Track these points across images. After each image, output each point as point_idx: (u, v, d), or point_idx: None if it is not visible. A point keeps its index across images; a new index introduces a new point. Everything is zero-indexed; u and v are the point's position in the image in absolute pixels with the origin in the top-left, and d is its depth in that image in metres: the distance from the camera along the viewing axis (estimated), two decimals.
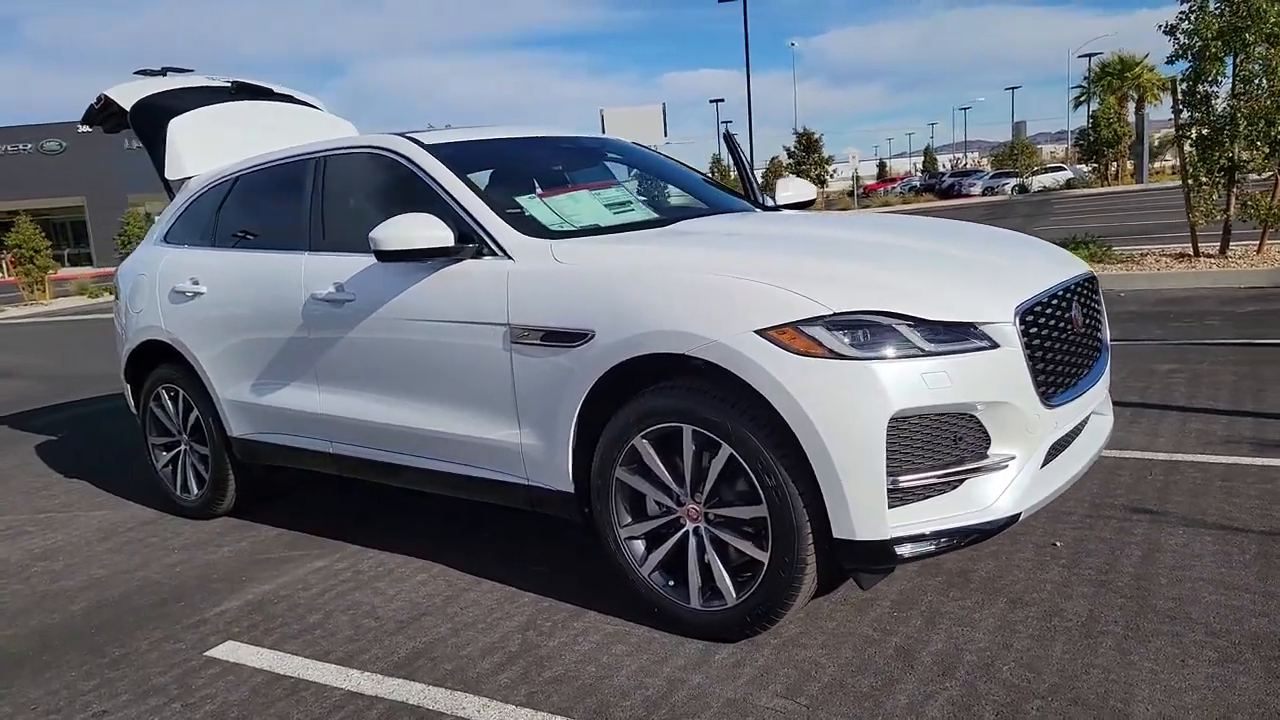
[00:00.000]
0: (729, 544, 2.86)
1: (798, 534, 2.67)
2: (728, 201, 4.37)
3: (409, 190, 3.70)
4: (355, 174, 4.01)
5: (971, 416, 2.66)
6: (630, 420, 2.94)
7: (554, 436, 3.15)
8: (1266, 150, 10.17)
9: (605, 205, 3.79)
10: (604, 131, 16.53)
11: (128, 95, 5.15)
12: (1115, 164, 45.66)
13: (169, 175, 4.96)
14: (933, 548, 2.64)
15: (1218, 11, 9.95)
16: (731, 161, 5.22)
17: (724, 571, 2.86)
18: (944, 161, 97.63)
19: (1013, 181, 50.37)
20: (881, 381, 2.55)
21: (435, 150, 3.71)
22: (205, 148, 5.03)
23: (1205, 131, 10.41)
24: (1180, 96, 10.77)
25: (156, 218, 5.25)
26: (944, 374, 2.59)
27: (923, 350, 2.60)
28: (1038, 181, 49.62)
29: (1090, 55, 55.57)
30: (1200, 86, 10.68)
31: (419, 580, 3.69)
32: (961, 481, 2.67)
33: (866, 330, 2.61)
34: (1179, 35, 10.56)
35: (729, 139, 5.45)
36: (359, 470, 3.93)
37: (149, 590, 3.85)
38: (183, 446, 4.75)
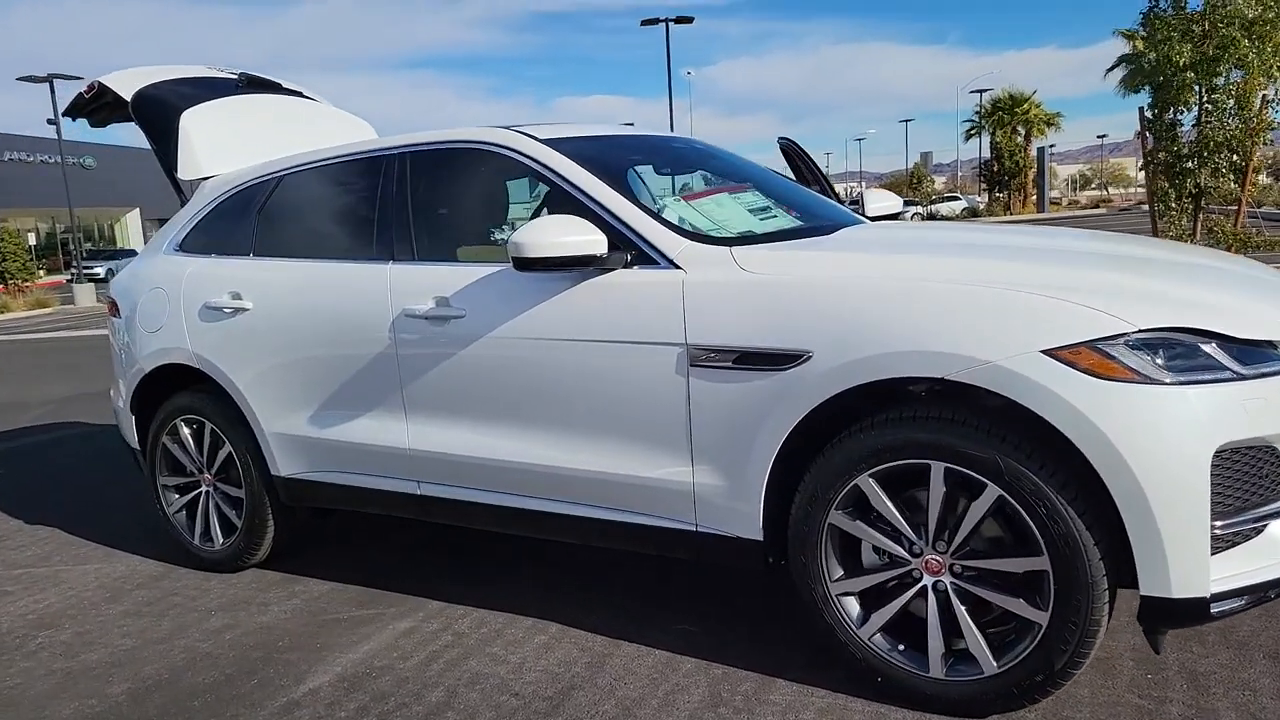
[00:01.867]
0: (987, 602, 2.43)
1: (1091, 590, 2.26)
2: (843, 211, 3.97)
3: (526, 192, 3.19)
4: (452, 174, 3.47)
5: (1273, 449, 2.31)
6: (855, 456, 2.50)
7: (742, 475, 2.68)
8: (1232, 177, 10.35)
9: (749, 210, 3.35)
10: None
11: (127, 83, 4.48)
12: (1017, 193, 47.37)
13: (183, 175, 4.30)
14: (1243, 603, 2.27)
15: (1190, 40, 10.12)
16: (798, 175, 4.84)
17: (978, 634, 2.42)
18: (841, 190, 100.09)
19: (913, 210, 51.86)
20: (1205, 410, 2.18)
21: (557, 146, 3.21)
22: (223, 144, 4.40)
23: (1173, 158, 10.56)
24: (1147, 124, 10.93)
25: (164, 224, 4.56)
26: (1261, 400, 2.23)
27: (1238, 373, 2.23)
28: (934, 210, 51.35)
29: (981, 91, 57.80)
30: (1166, 115, 10.85)
31: (540, 644, 3.15)
32: (1264, 527, 2.31)
33: (1175, 350, 2.23)
34: (1144, 64, 10.71)
35: (792, 147, 5.07)
36: (456, 515, 3.38)
37: (203, 665, 3.20)
38: (204, 488, 4.08)
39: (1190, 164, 10.36)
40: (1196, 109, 10.60)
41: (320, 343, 3.53)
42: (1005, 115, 52.79)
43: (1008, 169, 44.41)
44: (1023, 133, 52.49)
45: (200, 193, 4.24)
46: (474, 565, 3.93)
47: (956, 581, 2.46)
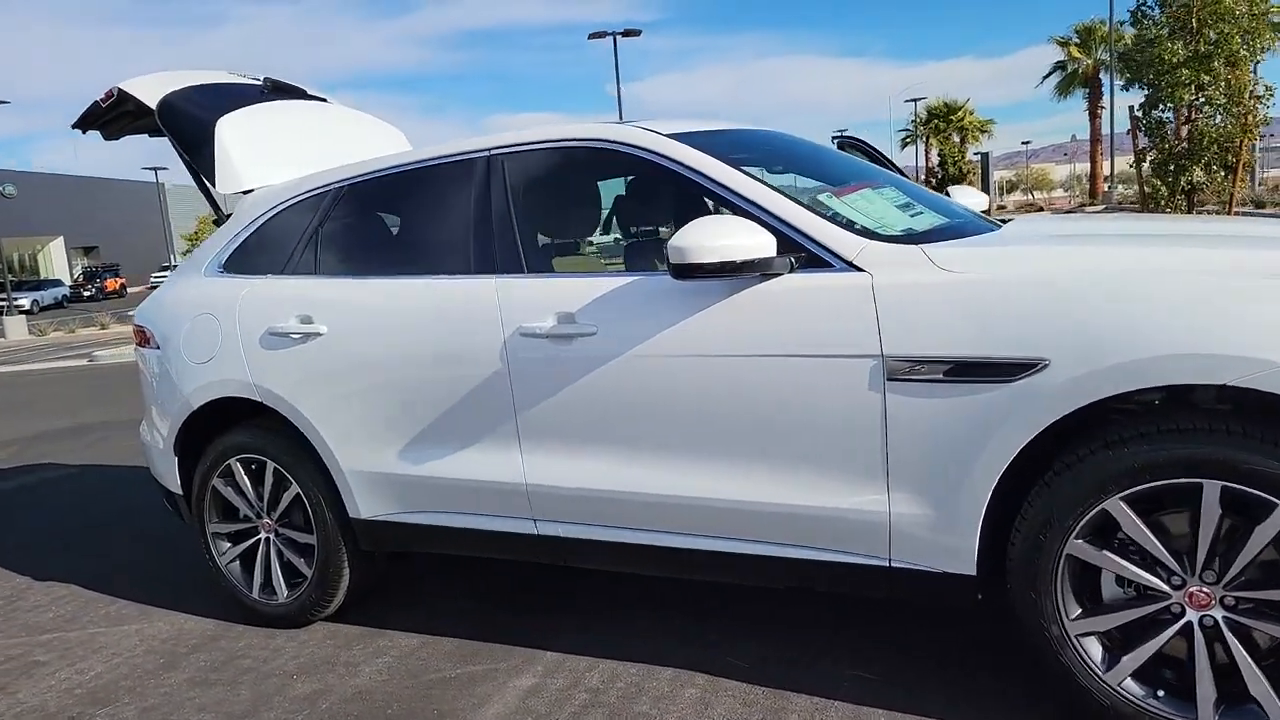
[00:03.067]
0: (1256, 641, 2.14)
1: None
2: (959, 206, 3.68)
3: (660, 193, 2.86)
4: (565, 176, 3.12)
5: None
6: (1104, 477, 2.20)
7: (952, 502, 2.37)
8: (1223, 174, 10.38)
9: (897, 206, 3.04)
10: None
11: (151, 90, 4.04)
12: None
13: (222, 188, 3.88)
14: None
15: (1183, 38, 10.14)
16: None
17: (1260, 675, 2.13)
18: None
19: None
20: None
21: (689, 141, 2.88)
22: (262, 155, 3.99)
23: (1166, 155, 10.57)
24: (1139, 122, 10.93)
25: (198, 244, 4.12)
26: None
27: None
28: None
29: (915, 100, 58.78)
30: (1154, 113, 10.86)
31: (693, 699, 2.80)
32: None
33: None
34: (1135, 60, 10.72)
35: (857, 144, 4.80)
36: (584, 556, 3.01)
37: None
38: (264, 535, 3.64)
39: (1184, 160, 10.37)
40: (1187, 107, 10.63)
41: (412, 368, 3.14)
42: (941, 123, 53.91)
43: (952, 175, 44.98)
44: (958, 139, 53.54)
45: (244, 208, 3.81)
46: (577, 608, 3.55)
47: (1230, 616, 2.16)
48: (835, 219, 2.63)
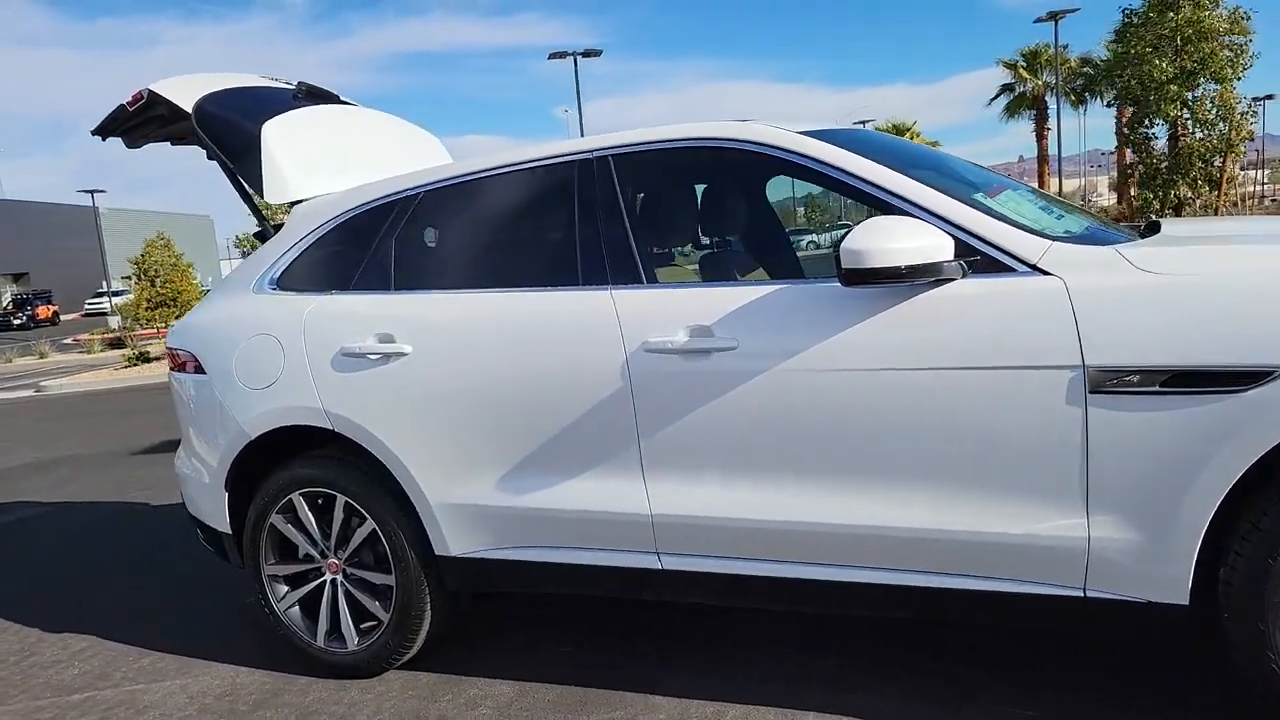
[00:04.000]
0: None
1: None
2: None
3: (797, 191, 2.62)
4: (684, 178, 2.88)
5: None
6: None
7: (1165, 526, 2.18)
8: (1208, 188, 10.51)
9: (1040, 209, 2.86)
10: None
11: (185, 93, 3.72)
12: None
13: (271, 198, 3.57)
14: None
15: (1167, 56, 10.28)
16: None
17: None
18: None
19: (809, 237, 52.76)
20: None
21: (827, 139, 2.67)
22: (310, 162, 3.69)
23: (1152, 171, 10.69)
24: (1128, 138, 11.05)
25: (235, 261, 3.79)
26: None
27: None
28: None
29: (863, 122, 59.70)
30: (1140, 129, 10.98)
31: None
32: None
33: None
34: (1123, 78, 10.83)
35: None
36: (715, 591, 2.75)
37: None
38: (330, 576, 3.32)
39: (1173, 176, 10.49)
40: (1172, 124, 10.76)
41: (513, 389, 2.87)
42: None
43: None
44: None
45: (298, 219, 3.51)
46: (683, 646, 3.28)
47: None
48: (1015, 220, 2.43)
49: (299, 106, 4.09)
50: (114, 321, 35.63)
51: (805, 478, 2.52)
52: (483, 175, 3.14)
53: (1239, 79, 10.17)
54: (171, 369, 3.71)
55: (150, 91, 3.71)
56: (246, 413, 3.30)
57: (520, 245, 3.07)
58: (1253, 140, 10.59)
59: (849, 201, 3.18)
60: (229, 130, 3.67)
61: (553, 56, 29.74)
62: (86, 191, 49.03)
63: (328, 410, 3.14)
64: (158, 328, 24.64)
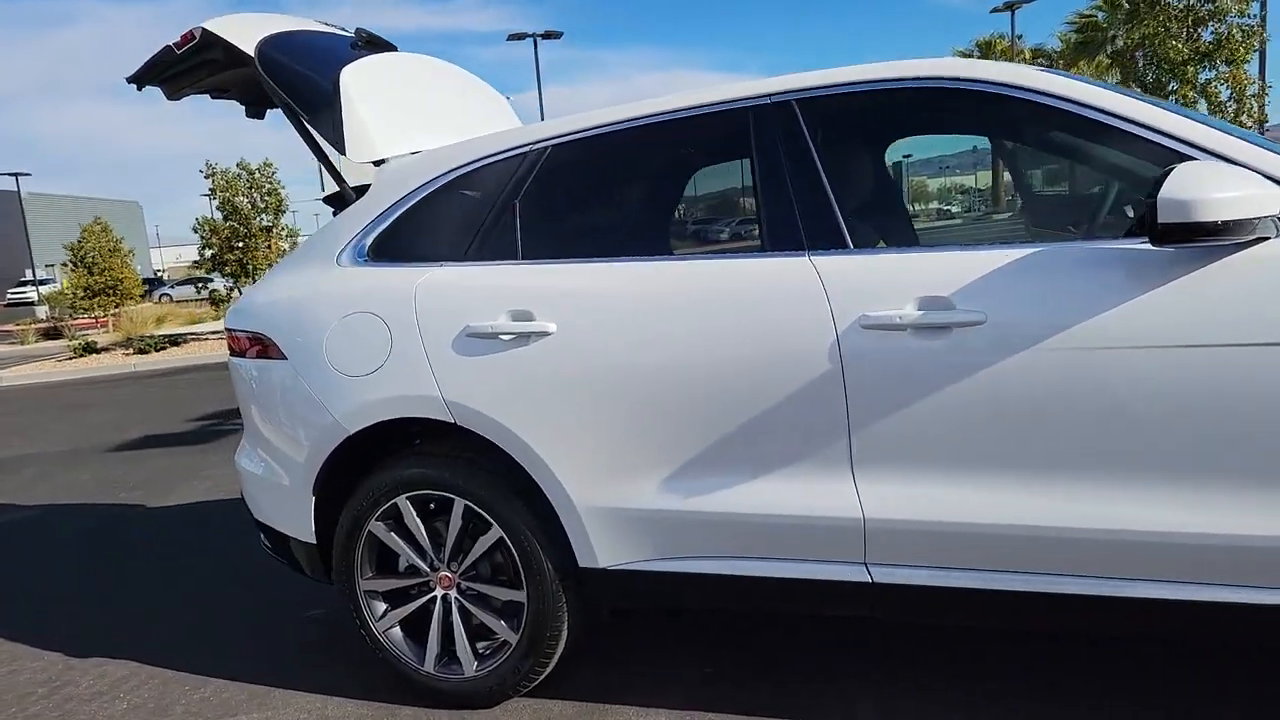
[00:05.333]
0: None
1: None
2: None
3: (1045, 141, 2.27)
4: (891, 125, 2.48)
5: None
6: None
7: None
8: None
9: None
10: (323, 185, 14.94)
11: (242, 32, 3.22)
12: None
13: (355, 156, 3.09)
14: None
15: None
16: None
17: None
18: None
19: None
20: None
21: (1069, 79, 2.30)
22: (394, 116, 3.23)
23: None
24: None
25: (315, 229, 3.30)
26: None
27: None
28: None
29: None
30: None
31: None
32: None
33: None
34: (1146, 58, 10.70)
35: None
36: (943, 609, 2.37)
37: None
38: (441, 592, 2.88)
39: None
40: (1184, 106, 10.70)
41: (689, 375, 2.46)
42: None
43: None
44: None
45: (390, 180, 3.04)
46: (854, 665, 2.91)
47: None
48: None
49: (359, 56, 3.61)
50: (41, 311, 34.05)
51: (1074, 474, 2.15)
52: (630, 125, 2.71)
53: (1247, 61, 10.10)
54: (234, 354, 3.20)
55: (204, 31, 3.20)
56: (343, 404, 2.82)
57: (682, 206, 2.64)
58: (1265, 125, 10.54)
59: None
60: (299, 78, 3.18)
61: (512, 38, 29.03)
62: (9, 174, 46.75)
63: (448, 400, 2.68)
64: (96, 317, 23.54)
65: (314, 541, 3.01)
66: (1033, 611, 2.27)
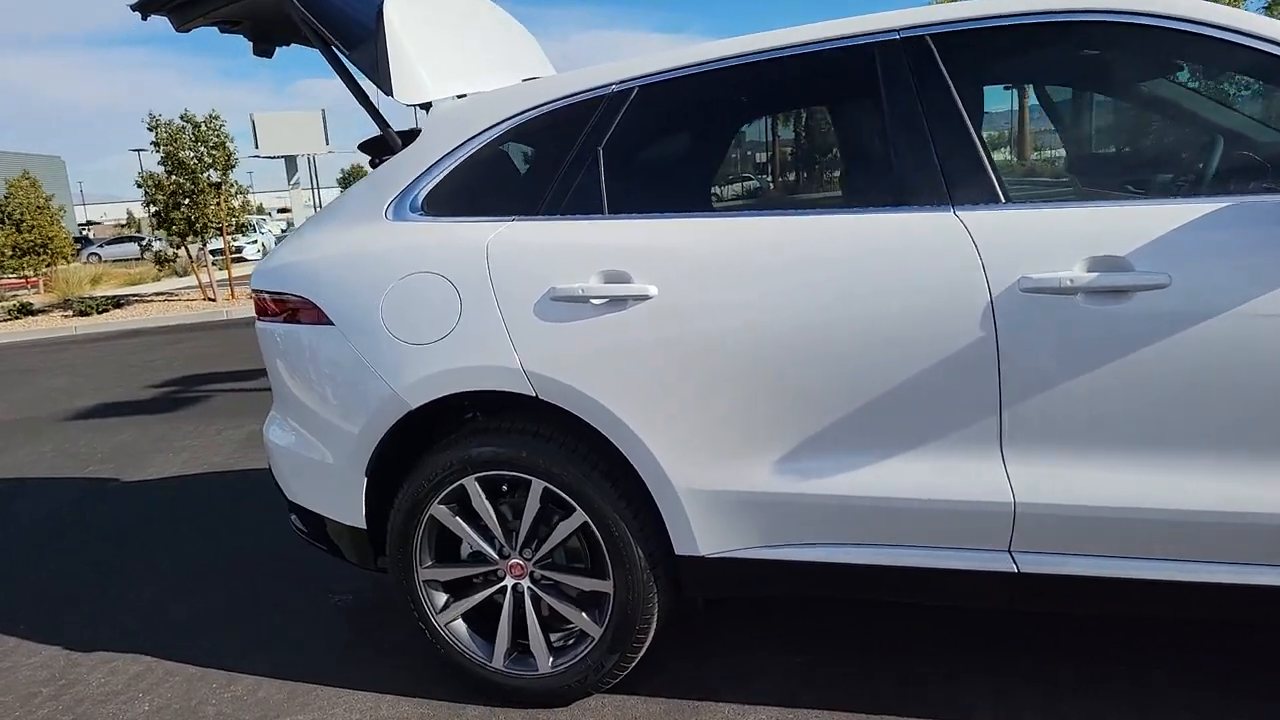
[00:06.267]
0: None
1: None
2: None
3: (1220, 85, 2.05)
4: (1046, 64, 2.23)
5: None
6: None
7: None
8: None
9: None
10: (257, 142, 14.22)
11: None
12: None
13: (402, 98, 2.76)
14: None
15: None
16: None
17: None
18: None
19: None
20: None
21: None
22: (444, 54, 2.90)
23: None
24: None
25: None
26: None
27: None
28: None
29: None
30: None
31: None
32: None
33: None
34: None
35: None
36: (1095, 600, 2.17)
37: None
38: (512, 581, 2.61)
39: None
40: None
41: (810, 344, 2.21)
42: None
43: None
44: None
45: (445, 124, 2.72)
46: (978, 658, 2.71)
47: None
48: None
49: None
50: None
51: (1272, 457, 1.95)
52: (731, 64, 2.42)
53: None
54: (263, 318, 2.87)
55: None
56: (404, 375, 2.52)
57: (802, 155, 2.38)
58: None
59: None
60: (334, 9, 2.83)
61: None
62: None
63: (528, 370, 2.40)
64: (25, 276, 22.51)
65: (363, 526, 2.71)
66: (1209, 602, 2.07)
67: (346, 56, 2.80)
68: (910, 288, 2.13)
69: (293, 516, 2.98)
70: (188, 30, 3.17)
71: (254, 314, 2.96)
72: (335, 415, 2.68)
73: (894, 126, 2.23)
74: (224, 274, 16.93)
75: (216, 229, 15.46)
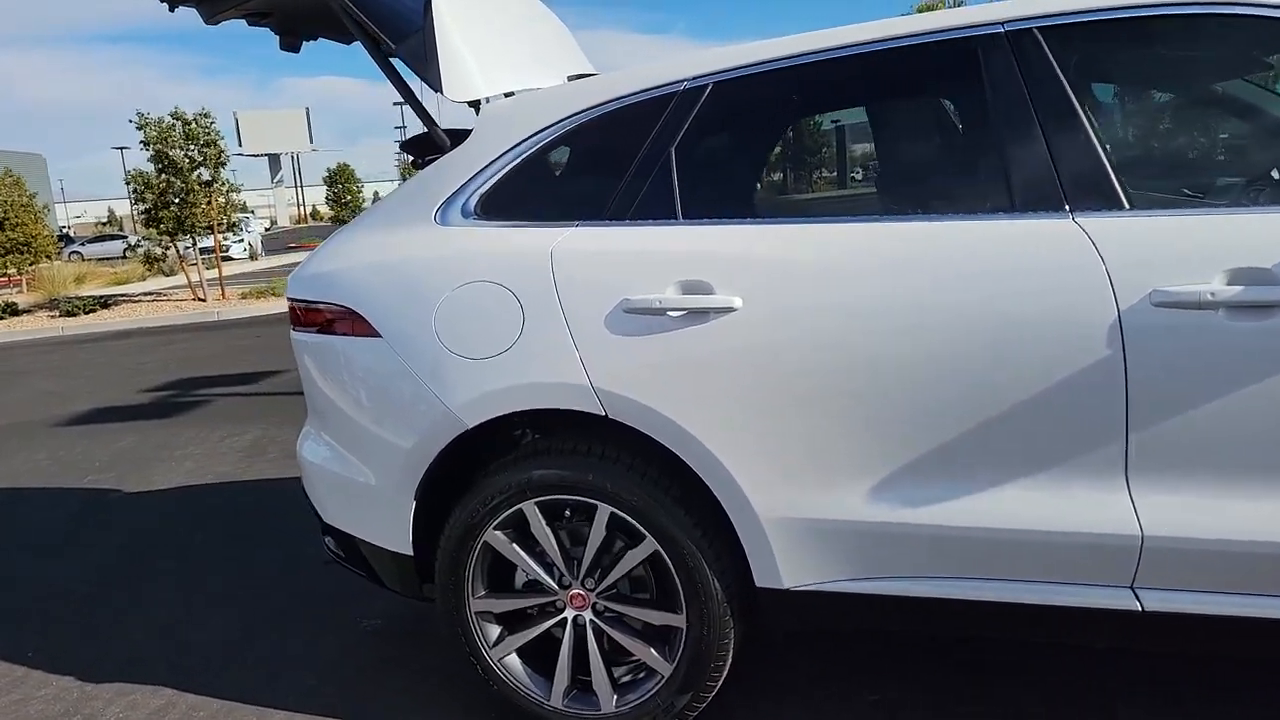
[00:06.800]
0: None
1: None
2: None
3: None
4: (1173, 67, 2.07)
5: None
6: None
7: None
8: None
9: None
10: (240, 140, 13.89)
11: None
12: None
13: (453, 94, 2.58)
14: None
15: None
16: None
17: None
18: None
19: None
20: None
21: None
22: (495, 50, 2.73)
23: None
24: None
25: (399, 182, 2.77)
26: None
27: None
28: None
29: None
30: None
31: None
32: None
33: None
34: None
35: None
36: (1224, 641, 2.00)
37: None
38: (573, 612, 2.43)
39: None
40: None
41: (913, 360, 2.04)
42: None
43: None
44: None
45: (499, 122, 2.54)
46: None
47: None
48: None
49: None
50: None
51: None
52: (814, 60, 2.24)
53: None
54: (300, 328, 2.67)
55: None
56: (461, 392, 2.33)
57: (897, 156, 2.20)
58: None
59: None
60: (378, 1, 2.65)
61: None
62: None
63: (598, 388, 2.22)
64: (9, 275, 22.10)
65: (410, 553, 2.52)
66: None
67: (392, 51, 2.61)
68: (1026, 301, 1.96)
69: (327, 539, 2.79)
70: (216, 23, 2.98)
71: (290, 323, 2.76)
72: (381, 434, 2.49)
73: (1001, 125, 2.06)
74: (213, 273, 16.62)
75: (207, 228, 15.17)
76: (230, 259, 30.71)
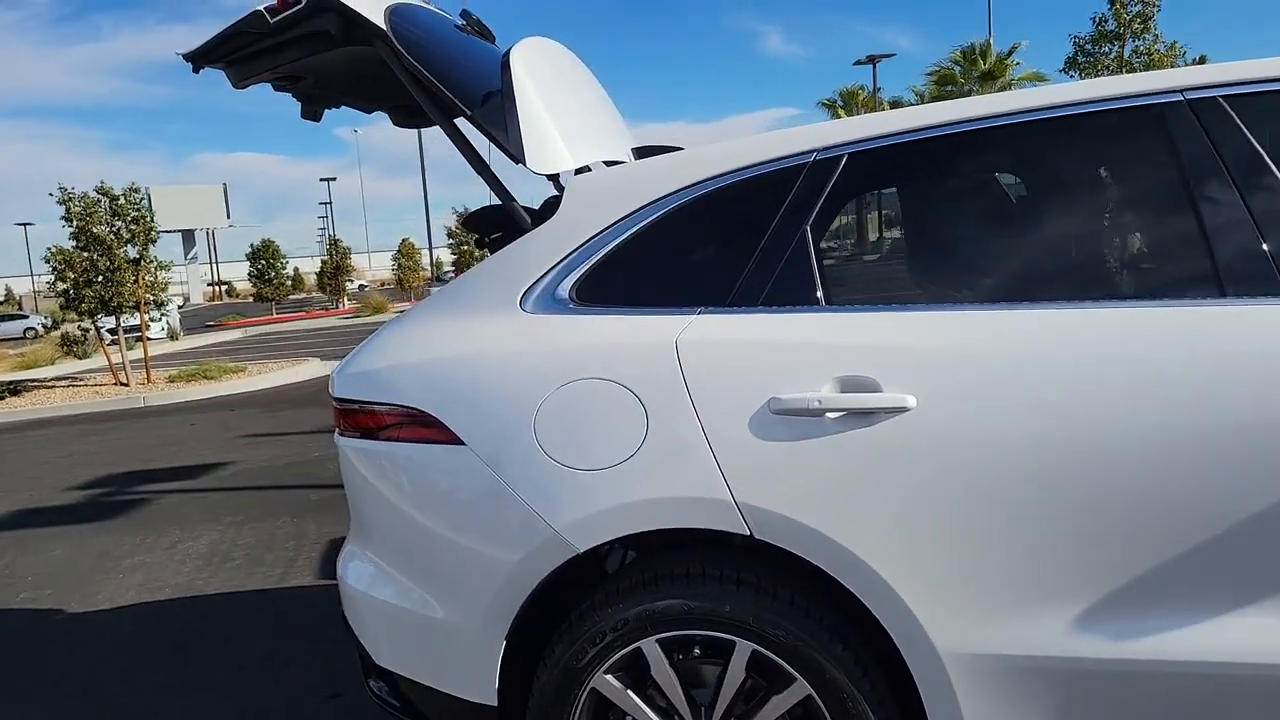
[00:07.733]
0: None
1: None
2: None
3: None
4: None
5: None
6: None
7: None
8: None
9: None
10: (152, 215, 13.36)
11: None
12: None
13: (538, 166, 2.28)
14: None
15: None
16: None
17: None
18: None
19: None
20: None
21: None
22: (571, 117, 2.46)
23: None
24: None
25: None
26: None
27: None
28: None
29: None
30: None
31: None
32: None
33: None
34: None
35: None
36: None
37: None
38: None
39: None
40: None
41: (1130, 465, 1.76)
42: None
43: None
44: None
45: (591, 196, 2.23)
46: None
47: None
48: None
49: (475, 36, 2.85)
50: None
51: None
52: (967, 128, 1.99)
53: None
54: (350, 434, 2.29)
55: None
56: (568, 510, 1.97)
57: (1084, 234, 1.95)
58: None
59: None
60: (444, 63, 2.35)
61: None
62: None
63: (742, 503, 1.88)
64: None
65: (494, 703, 2.11)
66: None
67: (471, 119, 2.30)
68: (1262, 399, 1.70)
69: (377, 684, 2.36)
70: (244, 86, 2.63)
71: (333, 426, 2.37)
72: (463, 560, 2.11)
73: (1202, 199, 1.83)
74: (135, 354, 15.75)
75: (133, 307, 14.38)
76: (149, 339, 29.45)
